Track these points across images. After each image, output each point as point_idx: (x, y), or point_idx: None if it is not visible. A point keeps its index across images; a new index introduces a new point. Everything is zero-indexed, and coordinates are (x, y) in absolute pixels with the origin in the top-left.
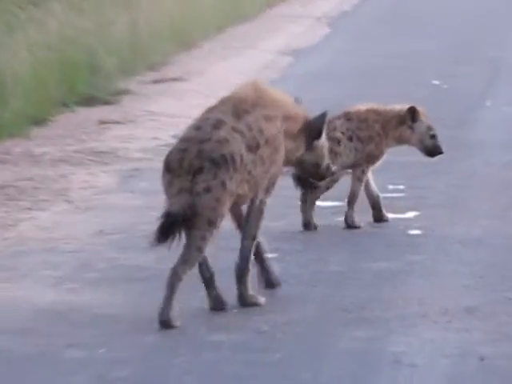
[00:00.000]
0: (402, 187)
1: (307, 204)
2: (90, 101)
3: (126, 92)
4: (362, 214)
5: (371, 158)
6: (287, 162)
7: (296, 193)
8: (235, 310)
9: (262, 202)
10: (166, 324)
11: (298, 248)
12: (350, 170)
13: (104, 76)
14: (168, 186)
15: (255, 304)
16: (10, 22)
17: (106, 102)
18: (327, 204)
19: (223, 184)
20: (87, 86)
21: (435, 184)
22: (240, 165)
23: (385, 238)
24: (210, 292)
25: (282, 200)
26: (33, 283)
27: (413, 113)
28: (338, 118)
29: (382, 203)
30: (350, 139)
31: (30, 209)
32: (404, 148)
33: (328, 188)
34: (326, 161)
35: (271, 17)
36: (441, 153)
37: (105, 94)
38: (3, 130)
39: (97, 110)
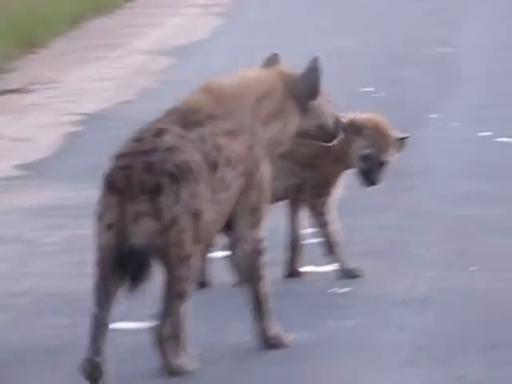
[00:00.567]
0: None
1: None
2: None
3: None
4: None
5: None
6: (288, 142)
7: None
8: None
9: (256, 241)
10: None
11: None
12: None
13: None
14: (116, 209)
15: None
16: None
17: None
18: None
19: (187, 207)
20: None
21: (366, 225)
22: (199, 176)
23: (301, 299)
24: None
25: None
26: None
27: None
28: None
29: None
30: None
31: None
32: None
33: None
34: (331, 115)
35: (143, 6)
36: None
37: None
38: None
39: None
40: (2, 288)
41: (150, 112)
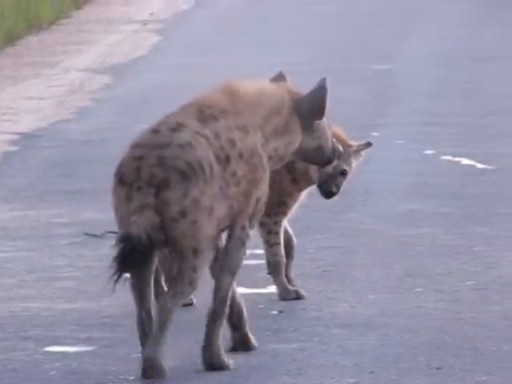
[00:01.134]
0: (261, 251)
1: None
2: None
3: None
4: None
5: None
6: (288, 158)
7: None
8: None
9: (245, 233)
10: (152, 367)
11: (123, 337)
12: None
13: None
14: (124, 201)
15: (221, 367)
16: None
17: None
18: None
19: (196, 202)
20: None
21: (307, 246)
22: (210, 175)
23: None
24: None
25: None
26: None
27: None
28: None
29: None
30: None
31: None
32: None
33: None
34: (331, 140)
35: (79, 23)
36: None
37: None
38: None
39: None
40: None
41: (87, 131)
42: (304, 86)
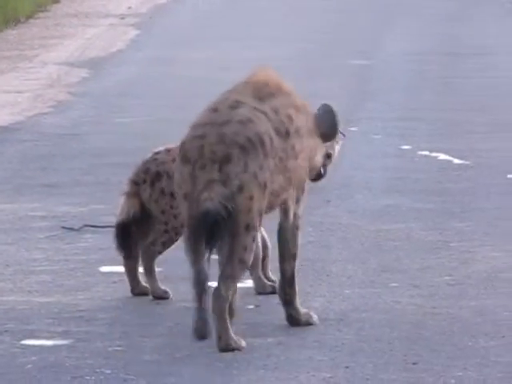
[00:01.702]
0: None
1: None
2: None
3: None
4: None
5: None
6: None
7: None
8: None
9: (297, 216)
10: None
11: (100, 331)
12: None
13: None
14: (189, 179)
15: (308, 323)
16: None
17: None
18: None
19: (255, 176)
20: None
21: None
22: (270, 148)
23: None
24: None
25: None
26: None
27: None
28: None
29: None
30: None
31: None
32: None
33: (160, 252)
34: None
35: (57, 17)
36: None
37: None
38: None
39: None
40: None
41: (64, 125)
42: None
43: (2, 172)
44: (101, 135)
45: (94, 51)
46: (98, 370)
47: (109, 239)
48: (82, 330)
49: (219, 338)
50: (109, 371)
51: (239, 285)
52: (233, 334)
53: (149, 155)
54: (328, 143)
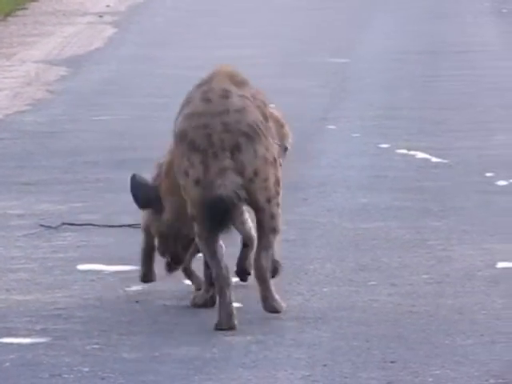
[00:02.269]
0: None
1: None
2: None
3: None
4: None
5: None
6: None
7: None
8: None
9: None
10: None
11: (78, 329)
12: None
13: None
14: (201, 166)
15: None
16: None
17: None
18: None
19: (265, 159)
20: None
21: None
22: (265, 129)
23: (194, 314)
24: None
25: None
26: None
27: None
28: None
29: None
30: None
31: None
32: None
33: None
34: None
35: (35, 15)
36: None
37: None
38: None
39: None
40: None
41: (43, 123)
42: (260, 79)
43: None
44: (79, 133)
45: (72, 49)
46: (75, 368)
47: (87, 237)
48: (59, 328)
49: (265, 300)
50: (87, 369)
51: None
52: (277, 296)
53: None
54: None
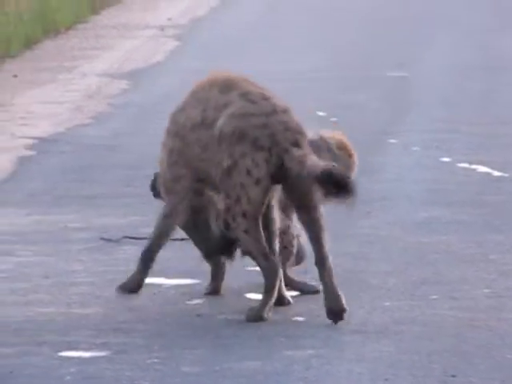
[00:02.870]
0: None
1: None
2: None
3: None
4: None
5: None
6: None
7: None
8: None
9: None
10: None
11: (138, 343)
12: None
13: None
14: (265, 165)
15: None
16: None
17: None
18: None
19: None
20: None
21: None
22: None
23: (255, 327)
24: None
25: None
26: None
27: None
28: None
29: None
30: None
31: None
32: None
33: None
34: None
35: (96, 28)
36: None
37: None
38: None
39: None
40: None
41: (104, 136)
42: (321, 92)
43: (42, 183)
44: (140, 147)
45: (133, 63)
46: (136, 382)
47: None
48: (120, 342)
49: (337, 298)
50: (147, 383)
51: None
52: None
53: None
54: None
